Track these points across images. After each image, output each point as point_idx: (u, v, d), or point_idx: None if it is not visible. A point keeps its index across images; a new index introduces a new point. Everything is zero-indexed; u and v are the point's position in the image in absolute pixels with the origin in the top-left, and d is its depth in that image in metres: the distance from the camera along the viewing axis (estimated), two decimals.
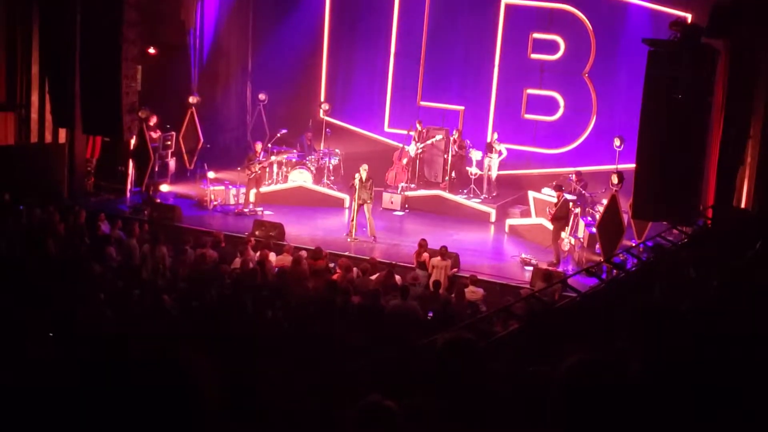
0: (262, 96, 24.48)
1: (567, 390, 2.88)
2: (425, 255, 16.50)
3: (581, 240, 19.02)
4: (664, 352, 5.53)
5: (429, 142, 22.56)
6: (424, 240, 16.81)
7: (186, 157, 22.95)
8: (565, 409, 2.87)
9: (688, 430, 4.49)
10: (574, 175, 20.41)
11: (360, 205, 19.02)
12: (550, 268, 17.08)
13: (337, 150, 23.28)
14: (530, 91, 23.33)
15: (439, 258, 16.24)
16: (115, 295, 12.28)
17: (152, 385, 2.66)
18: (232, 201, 21.26)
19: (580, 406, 2.85)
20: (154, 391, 2.65)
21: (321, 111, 23.99)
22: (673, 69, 15.39)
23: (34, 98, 20.42)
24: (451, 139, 22.54)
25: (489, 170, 21.93)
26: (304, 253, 15.88)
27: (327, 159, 22.74)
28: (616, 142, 19.03)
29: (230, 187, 21.49)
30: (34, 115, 20.53)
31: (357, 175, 18.98)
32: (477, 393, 3.80)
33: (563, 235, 18.46)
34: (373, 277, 15.26)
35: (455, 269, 16.59)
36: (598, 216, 18.35)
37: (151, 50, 23.03)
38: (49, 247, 14.81)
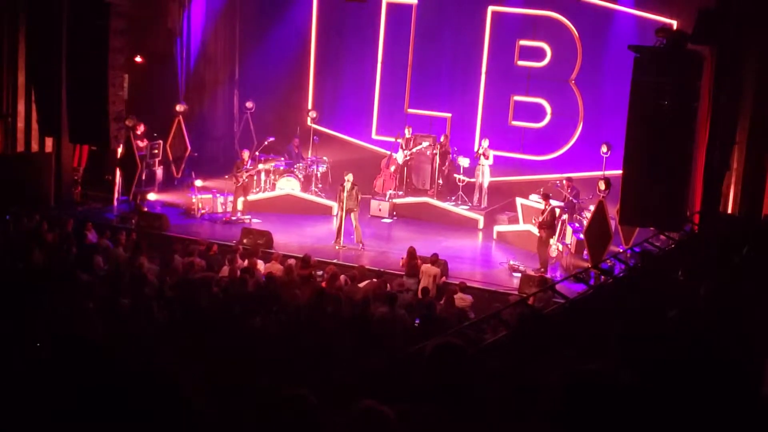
0: (249, 104, 24.48)
1: (560, 397, 2.89)
2: (419, 261, 16.52)
3: (569, 246, 19.06)
4: (652, 358, 5.54)
5: (416, 149, 22.58)
6: (412, 248, 16.80)
7: (173, 166, 22.93)
8: (559, 414, 2.88)
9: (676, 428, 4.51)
10: (565, 181, 20.38)
11: (346, 213, 19.03)
12: (538, 274, 17.14)
13: (324, 157, 23.28)
14: (517, 98, 23.39)
15: (429, 264, 16.24)
16: (104, 304, 12.22)
17: (142, 392, 2.65)
18: (219, 209, 21.21)
19: (574, 412, 2.85)
20: (144, 398, 2.64)
21: (308, 119, 23.98)
22: (659, 75, 15.43)
23: (21, 107, 20.35)
24: (438, 145, 22.55)
25: (482, 178, 21.91)
26: (292, 261, 15.85)
27: (315, 167, 22.73)
28: (603, 148, 19.09)
29: (218, 195, 21.44)
30: (21, 124, 20.45)
31: (344, 184, 18.98)
32: (466, 397, 3.80)
33: (551, 241, 18.49)
34: (362, 284, 15.23)
35: (444, 277, 16.58)
36: (585, 222, 18.39)
37: (138, 59, 23.01)
38: (36, 256, 14.73)
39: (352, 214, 19.07)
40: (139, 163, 20.82)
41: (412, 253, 16.67)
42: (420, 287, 15.36)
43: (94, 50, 17.87)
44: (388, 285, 15.23)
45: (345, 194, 18.86)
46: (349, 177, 19.09)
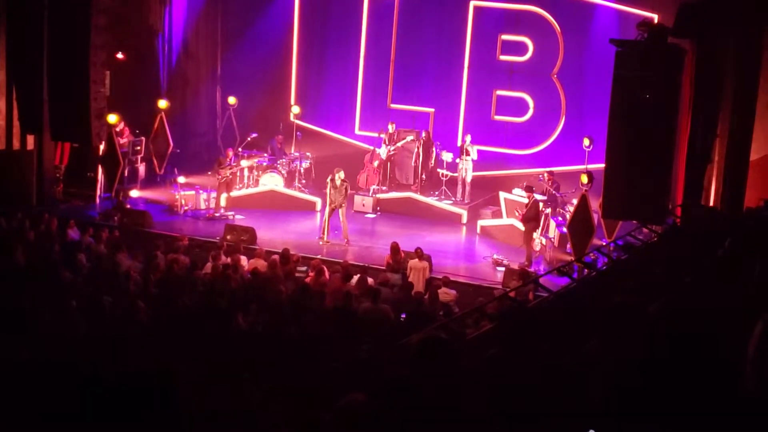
0: (232, 100, 24.40)
1: None
2: (402, 254, 16.49)
3: (552, 240, 19.11)
4: (634, 351, 5.56)
5: (399, 144, 22.60)
6: (396, 243, 16.75)
7: (156, 162, 22.85)
8: None
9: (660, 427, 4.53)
10: (546, 175, 20.43)
11: (333, 209, 19.01)
12: (524, 268, 17.19)
13: (308, 153, 23.28)
14: (500, 92, 23.42)
15: (416, 260, 16.22)
16: (87, 302, 12.18)
17: (127, 389, 2.65)
18: (202, 206, 21.17)
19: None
20: (129, 394, 2.65)
21: (291, 114, 23.94)
22: (641, 69, 15.51)
23: (2, 105, 20.19)
24: (420, 140, 22.56)
25: (465, 173, 21.91)
26: (276, 257, 15.83)
27: (298, 162, 22.71)
28: (586, 142, 19.14)
29: (201, 191, 21.40)
30: (2, 121, 20.30)
31: (335, 180, 18.93)
32: (451, 391, 3.82)
33: (534, 235, 18.53)
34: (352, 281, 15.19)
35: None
36: (568, 216, 18.44)
37: (120, 55, 22.90)
38: (18, 255, 14.66)
39: (340, 210, 19.06)
40: (121, 160, 20.73)
41: (395, 248, 16.63)
42: (410, 282, 15.31)
43: (75, 47, 17.82)
44: (371, 279, 15.19)
45: (333, 189, 18.83)
46: (341, 174, 19.04)
